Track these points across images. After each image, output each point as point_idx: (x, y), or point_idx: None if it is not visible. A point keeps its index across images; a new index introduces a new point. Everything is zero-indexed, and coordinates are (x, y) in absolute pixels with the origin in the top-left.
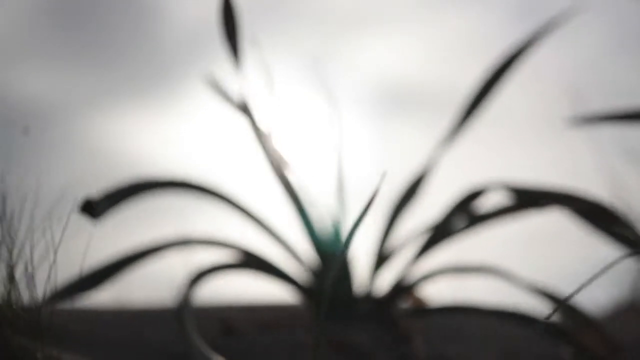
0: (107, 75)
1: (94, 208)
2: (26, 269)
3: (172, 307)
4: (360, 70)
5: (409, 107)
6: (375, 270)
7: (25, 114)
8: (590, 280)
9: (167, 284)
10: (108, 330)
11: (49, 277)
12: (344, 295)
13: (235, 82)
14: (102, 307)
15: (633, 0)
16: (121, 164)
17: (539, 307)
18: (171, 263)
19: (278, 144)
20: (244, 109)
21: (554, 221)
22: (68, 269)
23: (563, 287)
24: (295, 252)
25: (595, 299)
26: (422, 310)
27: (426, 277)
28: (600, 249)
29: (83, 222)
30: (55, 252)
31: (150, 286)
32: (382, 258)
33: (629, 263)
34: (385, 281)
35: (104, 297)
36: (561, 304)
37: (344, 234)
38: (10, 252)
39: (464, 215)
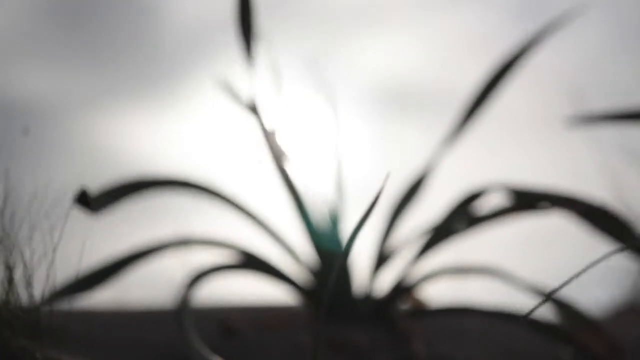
0: (107, 75)
1: (89, 200)
2: (25, 269)
3: (171, 307)
4: (360, 70)
5: (409, 107)
6: (375, 270)
7: (25, 114)
8: (580, 274)
9: (166, 285)
10: (107, 330)
11: (48, 277)
12: (343, 296)
13: (245, 81)
14: (101, 308)
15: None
16: (121, 164)
17: (539, 308)
18: (170, 263)
19: (282, 143)
20: (253, 108)
21: (554, 222)
22: (67, 269)
23: (562, 288)
24: (295, 253)
25: (595, 299)
26: (422, 311)
27: (426, 277)
28: (600, 249)
29: (83, 222)
30: (55, 252)
31: (150, 286)
32: (382, 259)
33: (629, 263)
34: (385, 282)
35: (103, 297)
36: (548, 297)
37: (344, 234)
38: (9, 252)
39: (464, 216)
